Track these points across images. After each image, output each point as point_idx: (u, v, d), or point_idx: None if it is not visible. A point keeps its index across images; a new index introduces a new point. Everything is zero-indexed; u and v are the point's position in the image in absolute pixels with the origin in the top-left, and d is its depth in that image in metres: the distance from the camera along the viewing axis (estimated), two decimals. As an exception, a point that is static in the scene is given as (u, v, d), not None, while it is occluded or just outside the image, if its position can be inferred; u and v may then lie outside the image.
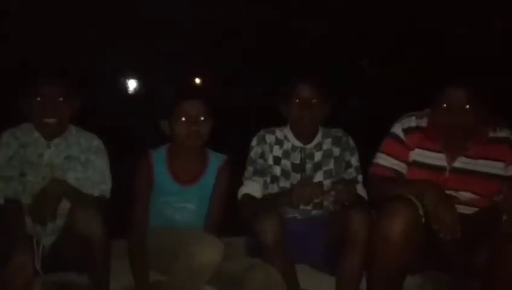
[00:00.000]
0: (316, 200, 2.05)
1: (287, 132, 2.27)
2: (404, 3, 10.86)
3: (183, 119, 2.09)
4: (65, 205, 1.99)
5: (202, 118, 2.10)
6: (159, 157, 2.18)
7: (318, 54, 11.34)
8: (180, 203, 2.15)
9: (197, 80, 14.28)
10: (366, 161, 2.22)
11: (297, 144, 2.25)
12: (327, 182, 2.20)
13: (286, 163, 2.23)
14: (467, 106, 1.97)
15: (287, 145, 2.25)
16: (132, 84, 15.07)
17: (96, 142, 2.18)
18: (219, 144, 2.28)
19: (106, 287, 1.96)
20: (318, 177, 2.23)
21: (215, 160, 2.22)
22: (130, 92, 14.86)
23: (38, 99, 2.05)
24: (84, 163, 2.12)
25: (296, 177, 2.22)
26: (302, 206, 2.15)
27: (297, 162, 2.24)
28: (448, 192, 1.96)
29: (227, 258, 1.93)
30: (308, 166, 2.24)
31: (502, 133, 2.06)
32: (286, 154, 2.24)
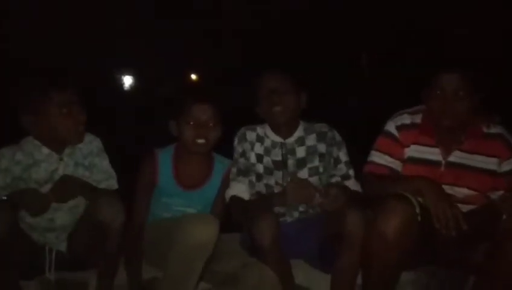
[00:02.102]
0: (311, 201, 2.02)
1: (267, 128, 2.23)
2: (404, 3, 10.86)
3: (192, 123, 2.07)
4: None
5: (211, 124, 2.08)
6: (164, 157, 2.17)
7: (318, 54, 11.33)
8: (181, 206, 2.15)
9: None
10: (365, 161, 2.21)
11: (277, 139, 2.20)
12: (313, 180, 2.15)
13: (268, 160, 2.19)
14: (460, 92, 1.98)
15: (267, 142, 2.21)
16: (128, 81, 15.02)
17: (96, 143, 2.12)
18: (220, 144, 2.25)
19: (112, 280, 1.98)
20: (303, 174, 2.18)
21: (221, 166, 2.21)
22: (126, 89, 14.81)
23: (65, 110, 1.94)
24: (88, 167, 2.07)
25: (278, 174, 2.17)
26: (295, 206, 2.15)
27: (279, 158, 2.19)
28: (443, 187, 1.97)
29: (222, 256, 1.93)
30: (290, 162, 2.18)
31: (495, 129, 2.08)
32: (267, 152, 2.20)
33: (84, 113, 2.00)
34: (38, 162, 1.99)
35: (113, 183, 2.13)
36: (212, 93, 2.18)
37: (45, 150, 2.00)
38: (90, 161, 2.08)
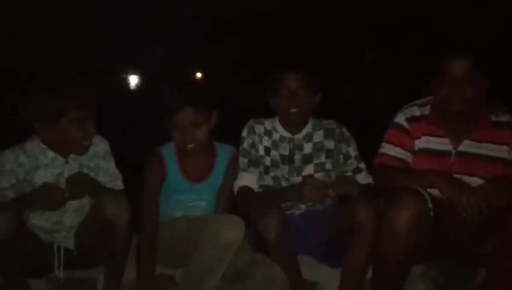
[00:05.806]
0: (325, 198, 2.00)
1: (276, 122, 2.24)
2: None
3: (176, 127, 2.06)
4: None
5: (195, 126, 2.06)
6: (168, 154, 2.16)
7: (318, 47, 11.34)
8: (192, 201, 2.16)
9: (196, 77, 14.19)
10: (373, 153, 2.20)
11: (286, 134, 2.22)
12: (318, 176, 2.17)
13: (275, 154, 2.20)
14: (468, 78, 1.97)
15: (275, 136, 2.22)
16: (134, 80, 15.01)
17: (102, 146, 2.09)
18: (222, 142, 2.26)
19: (120, 277, 1.99)
20: (308, 170, 2.19)
21: (224, 152, 2.21)
22: (131, 88, 14.80)
23: (78, 125, 1.92)
24: (94, 169, 2.06)
25: (284, 168, 2.19)
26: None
27: (286, 153, 2.20)
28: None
29: None
30: (297, 157, 2.20)
31: (504, 117, 2.07)
32: (275, 145, 2.21)
33: (95, 128, 1.98)
34: (44, 166, 1.98)
35: (118, 184, 2.12)
36: (194, 94, 2.07)
37: (50, 154, 1.98)
38: (96, 163, 2.07)
